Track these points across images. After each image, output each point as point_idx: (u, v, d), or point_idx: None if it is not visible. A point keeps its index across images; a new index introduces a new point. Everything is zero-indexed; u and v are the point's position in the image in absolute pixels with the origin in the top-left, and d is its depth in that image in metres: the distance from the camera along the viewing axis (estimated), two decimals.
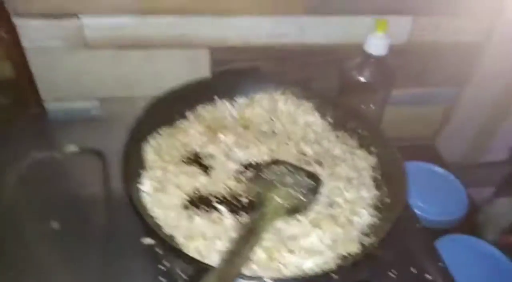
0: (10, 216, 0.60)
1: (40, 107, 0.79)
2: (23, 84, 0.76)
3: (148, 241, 0.56)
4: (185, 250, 0.50)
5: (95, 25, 0.70)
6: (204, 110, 0.68)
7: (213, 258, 0.49)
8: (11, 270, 0.54)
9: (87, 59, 0.74)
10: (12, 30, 0.68)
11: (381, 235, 0.52)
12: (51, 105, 0.79)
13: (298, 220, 0.55)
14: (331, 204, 0.58)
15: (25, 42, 0.70)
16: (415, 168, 0.83)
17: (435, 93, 0.94)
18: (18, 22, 0.68)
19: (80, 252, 0.56)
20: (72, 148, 0.69)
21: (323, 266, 0.51)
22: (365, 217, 0.57)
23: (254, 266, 0.49)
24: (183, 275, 0.54)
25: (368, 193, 0.59)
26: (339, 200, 0.58)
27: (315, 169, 0.62)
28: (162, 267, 0.55)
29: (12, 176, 0.65)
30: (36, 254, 0.56)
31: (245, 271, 0.47)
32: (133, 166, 0.56)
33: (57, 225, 0.59)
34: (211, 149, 0.63)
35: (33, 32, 0.69)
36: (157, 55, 0.76)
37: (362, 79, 0.73)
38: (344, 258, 0.52)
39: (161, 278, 0.54)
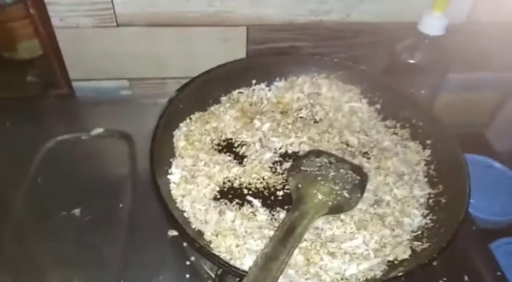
0: (33, 198, 0.58)
1: (69, 87, 0.76)
2: (52, 62, 0.73)
3: (174, 233, 0.52)
4: (215, 249, 0.45)
5: (126, 1, 0.65)
6: (240, 94, 0.63)
7: (245, 260, 0.45)
8: (31, 256, 0.52)
9: (117, 38, 0.70)
10: (41, 8, 0.65)
11: (438, 242, 0.45)
12: (80, 84, 0.76)
13: (341, 220, 0.49)
14: (379, 203, 0.51)
15: (54, 20, 0.67)
16: (469, 161, 0.75)
17: (492, 79, 0.85)
18: None
19: (103, 240, 0.53)
20: (99, 130, 0.66)
21: (368, 273, 0.45)
22: (417, 219, 0.50)
23: (290, 271, 0.44)
24: (211, 273, 0.50)
25: (421, 191, 0.53)
26: (388, 198, 0.52)
27: (361, 162, 0.56)
28: (188, 262, 0.51)
29: (37, 157, 0.62)
30: (57, 240, 0.53)
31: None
32: (162, 154, 0.52)
33: (79, 211, 0.56)
34: (245, 136, 0.58)
35: (62, 10, 0.66)
36: (190, 33, 0.71)
37: (413, 62, 0.66)
38: (391, 264, 0.46)
39: (187, 275, 0.50)
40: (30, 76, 0.79)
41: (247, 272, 0.40)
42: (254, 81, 0.64)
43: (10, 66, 0.79)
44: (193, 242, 0.41)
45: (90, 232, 0.54)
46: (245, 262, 0.44)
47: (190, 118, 0.58)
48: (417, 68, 0.67)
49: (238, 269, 0.41)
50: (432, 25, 0.63)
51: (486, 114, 0.92)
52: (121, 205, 0.57)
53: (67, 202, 0.57)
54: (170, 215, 0.43)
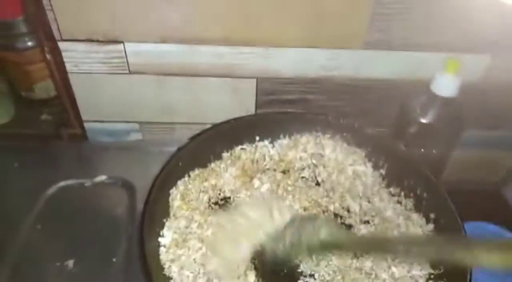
0: (31, 245, 0.58)
1: (81, 127, 0.78)
2: (65, 104, 0.75)
3: None
4: None
5: (139, 51, 0.67)
6: (242, 151, 0.62)
7: None
8: None
9: (129, 84, 0.71)
10: (57, 54, 0.67)
11: None
12: (92, 125, 0.78)
13: None
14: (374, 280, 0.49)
15: (69, 65, 0.69)
16: (479, 231, 0.71)
17: (509, 137, 0.82)
18: (63, 45, 0.66)
19: None
20: (102, 177, 0.66)
21: None
22: None
23: None
24: None
25: (421, 271, 0.50)
26: (384, 276, 0.49)
27: (361, 230, 0.54)
28: None
29: (38, 202, 0.63)
30: None
31: None
32: (156, 214, 0.51)
33: (72, 263, 0.56)
34: (243, 195, 0.57)
35: (77, 56, 0.68)
36: (200, 83, 0.71)
37: (425, 121, 0.64)
38: None
39: None
40: (45, 114, 0.81)
41: None
42: (257, 138, 0.64)
43: (27, 104, 0.81)
44: None
45: None
46: None
47: (189, 175, 0.58)
48: (429, 127, 0.64)
49: None
50: (445, 86, 0.61)
51: (503, 172, 0.88)
52: (114, 260, 0.57)
53: (62, 252, 0.57)
54: None
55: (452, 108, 0.64)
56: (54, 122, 0.79)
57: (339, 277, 0.49)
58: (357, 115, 0.72)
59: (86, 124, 0.78)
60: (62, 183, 0.66)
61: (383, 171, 0.61)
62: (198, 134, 0.58)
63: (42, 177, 0.67)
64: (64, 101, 0.74)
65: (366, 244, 0.44)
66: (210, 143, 0.60)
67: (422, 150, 0.68)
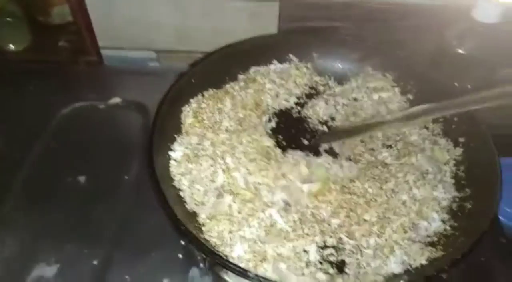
0: (43, 161, 0.58)
1: (98, 54, 0.76)
2: (81, 29, 0.73)
3: None
4: (206, 233, 0.43)
5: None
6: (258, 73, 0.59)
7: (235, 248, 0.42)
8: (30, 216, 0.52)
9: (145, 5, 0.69)
10: None
11: (453, 252, 0.40)
12: (109, 52, 0.76)
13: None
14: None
15: None
16: (504, 167, 0.67)
17: None
18: None
19: (101, 210, 0.52)
20: (116, 100, 0.65)
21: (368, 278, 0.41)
22: (435, 224, 0.45)
23: (282, 265, 0.40)
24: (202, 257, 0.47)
25: (445, 194, 0.47)
26: (405, 198, 0.46)
27: (383, 156, 0.51)
28: (183, 242, 0.49)
29: (53, 121, 0.62)
30: (57, 204, 0.53)
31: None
32: (167, 129, 0.50)
33: (84, 179, 0.55)
34: (254, 118, 0.54)
35: None
36: (219, 5, 0.68)
37: (462, 51, 0.60)
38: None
39: (179, 255, 0.48)
40: (62, 41, 0.79)
41: (232, 263, 0.37)
42: (275, 61, 0.60)
43: (45, 30, 0.79)
44: (178, 223, 0.38)
45: (90, 201, 0.53)
46: (235, 250, 0.42)
47: (203, 95, 0.55)
48: (466, 59, 0.60)
49: (222, 258, 0.38)
50: (488, 11, 0.57)
51: None
52: (126, 177, 0.56)
53: (75, 168, 0.57)
54: (159, 192, 0.41)
55: (492, 39, 0.59)
56: (71, 49, 0.78)
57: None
58: (390, 46, 0.67)
59: (102, 52, 0.76)
60: (77, 104, 0.65)
61: (410, 96, 0.57)
62: (210, 54, 0.55)
63: (57, 99, 0.66)
64: (80, 26, 0.73)
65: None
66: (224, 63, 0.57)
67: (456, 84, 0.63)
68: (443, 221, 0.45)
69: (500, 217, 0.57)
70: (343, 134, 0.53)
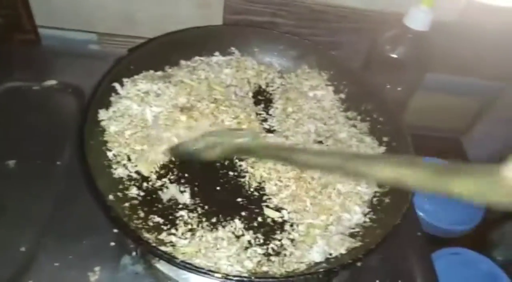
0: None
1: (35, 33, 0.73)
2: (18, 5, 0.69)
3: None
4: None
5: None
6: (200, 62, 0.59)
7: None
8: None
9: None
10: None
11: (369, 242, 0.43)
12: (47, 32, 0.73)
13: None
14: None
15: None
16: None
17: (476, 85, 0.82)
18: None
19: (32, 195, 0.51)
20: (51, 82, 0.63)
21: (291, 266, 0.43)
22: (357, 216, 0.48)
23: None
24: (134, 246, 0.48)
25: (367, 188, 0.51)
26: (331, 191, 0.49)
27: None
28: (116, 230, 0.49)
29: None
30: None
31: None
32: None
33: (13, 163, 0.53)
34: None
35: None
36: None
37: (394, 55, 0.63)
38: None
39: (111, 243, 0.48)
40: None
41: (161, 250, 0.38)
42: (217, 53, 0.61)
43: None
44: (109, 210, 0.39)
45: (20, 186, 0.52)
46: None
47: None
48: (397, 62, 0.64)
49: (151, 245, 0.39)
50: (418, 19, 0.60)
51: (464, 120, 0.89)
52: (58, 163, 0.55)
53: (4, 151, 0.55)
54: (89, 178, 0.41)
55: (422, 45, 0.63)
56: (5, 26, 0.74)
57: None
58: (327, 46, 0.70)
59: (40, 31, 0.73)
60: (9, 84, 0.62)
61: (343, 95, 0.61)
62: (154, 38, 0.55)
63: None
64: (16, 0, 0.69)
65: (277, 152, 0.43)
66: (166, 49, 0.57)
67: (388, 86, 0.67)
68: (364, 214, 0.49)
69: (420, 213, 0.63)
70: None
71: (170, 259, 0.38)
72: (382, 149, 0.54)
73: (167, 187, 0.48)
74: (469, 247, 0.67)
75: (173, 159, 0.50)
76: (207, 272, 0.37)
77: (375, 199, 0.50)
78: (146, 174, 0.48)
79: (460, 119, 0.89)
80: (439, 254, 0.64)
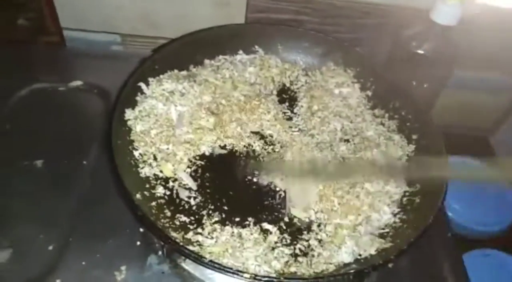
0: None
1: (60, 35, 0.74)
2: (42, 6, 0.70)
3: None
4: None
5: None
6: (225, 62, 0.59)
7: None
8: None
9: None
10: None
11: (400, 243, 0.42)
12: (71, 34, 0.74)
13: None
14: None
15: None
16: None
17: (504, 80, 0.79)
18: None
19: (59, 195, 0.52)
20: (77, 83, 0.63)
21: (320, 266, 0.42)
22: (386, 216, 0.47)
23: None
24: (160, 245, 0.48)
25: (396, 188, 0.49)
26: (359, 190, 0.48)
27: (340, 149, 0.52)
28: (142, 229, 0.49)
29: (9, 102, 0.60)
30: (13, 188, 0.52)
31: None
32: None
33: (41, 163, 0.54)
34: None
35: None
36: None
37: (420, 51, 0.61)
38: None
39: (137, 242, 0.48)
40: (21, 19, 0.76)
41: (188, 249, 0.38)
42: (241, 51, 0.60)
43: (2, 7, 0.76)
44: (136, 209, 0.39)
45: (47, 185, 0.52)
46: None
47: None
48: (423, 59, 0.62)
49: (178, 244, 0.39)
50: (445, 13, 0.58)
51: (493, 118, 0.86)
52: (85, 162, 0.55)
53: (31, 152, 0.55)
54: (117, 177, 0.41)
55: (449, 40, 0.61)
56: (31, 28, 0.75)
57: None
58: (351, 42, 0.68)
59: (65, 33, 0.74)
60: (35, 86, 0.63)
61: (369, 92, 0.59)
62: (177, 38, 0.55)
63: (14, 79, 0.63)
64: (42, 3, 0.70)
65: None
66: (190, 49, 0.57)
67: (414, 83, 0.65)
68: (393, 214, 0.48)
69: (449, 213, 0.61)
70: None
71: (198, 259, 0.37)
72: (412, 148, 0.53)
73: (192, 188, 0.48)
74: (500, 249, 0.65)
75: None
76: (236, 272, 0.36)
77: (405, 199, 0.49)
78: (168, 174, 0.48)
79: (488, 117, 0.86)
80: (469, 256, 0.62)
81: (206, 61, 0.58)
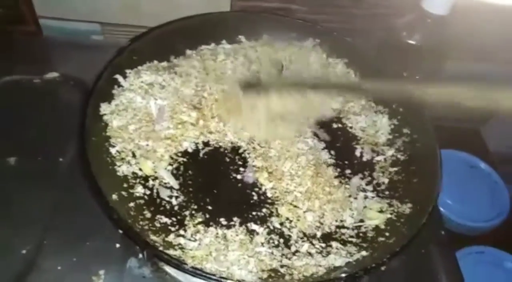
0: None
1: (36, 24, 0.70)
2: None
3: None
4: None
5: None
6: (208, 51, 0.56)
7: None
8: None
9: None
10: None
11: (393, 244, 0.40)
12: (48, 23, 0.70)
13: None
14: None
15: None
16: (453, 158, 0.70)
17: (496, 72, 0.78)
18: None
19: (33, 194, 0.49)
20: (53, 74, 0.60)
21: (310, 269, 0.40)
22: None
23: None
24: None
25: None
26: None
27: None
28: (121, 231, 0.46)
29: None
30: None
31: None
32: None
33: (14, 160, 0.51)
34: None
35: None
36: None
37: (411, 41, 0.60)
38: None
39: (117, 244, 0.46)
40: None
41: (168, 254, 0.35)
42: (224, 41, 0.58)
43: None
44: (111, 212, 0.36)
45: (20, 184, 0.49)
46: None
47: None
48: (415, 49, 0.61)
49: (158, 249, 0.36)
50: (438, 2, 0.57)
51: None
52: (61, 159, 0.52)
53: (4, 148, 0.52)
54: (90, 177, 0.38)
55: (441, 30, 0.60)
56: (4, 16, 0.71)
57: None
58: (341, 32, 0.66)
59: (41, 21, 0.70)
60: (8, 78, 0.59)
61: None
62: (157, 27, 0.52)
63: None
64: None
65: None
66: (170, 38, 0.53)
67: (405, 74, 0.63)
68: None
69: (441, 208, 0.59)
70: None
71: (179, 265, 0.35)
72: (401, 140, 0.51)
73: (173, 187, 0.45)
74: (494, 246, 0.64)
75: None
76: (219, 280, 0.34)
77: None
78: (148, 172, 0.45)
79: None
80: (463, 253, 0.61)
81: (188, 52, 0.55)
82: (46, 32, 0.72)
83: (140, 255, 0.45)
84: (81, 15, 0.70)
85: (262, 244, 0.42)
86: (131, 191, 0.43)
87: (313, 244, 0.43)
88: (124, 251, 0.46)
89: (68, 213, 0.48)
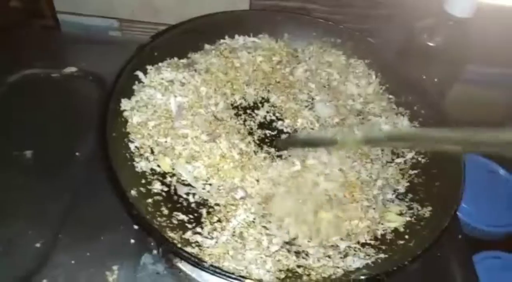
0: None
1: (54, 19, 0.71)
2: None
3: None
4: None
5: None
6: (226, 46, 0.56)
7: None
8: None
9: None
10: None
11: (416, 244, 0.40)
12: (66, 18, 0.71)
13: None
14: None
15: None
16: (472, 162, 0.68)
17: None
18: None
19: (49, 188, 0.49)
20: (71, 69, 0.60)
21: (328, 270, 0.40)
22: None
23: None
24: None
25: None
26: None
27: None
28: (136, 227, 0.46)
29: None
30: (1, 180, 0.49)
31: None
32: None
33: (30, 153, 0.51)
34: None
35: None
36: None
37: (433, 44, 0.59)
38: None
39: (131, 240, 0.45)
40: (14, 1, 0.72)
41: (186, 251, 0.35)
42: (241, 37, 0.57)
43: None
44: (131, 208, 0.36)
45: (37, 177, 0.49)
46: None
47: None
48: (435, 52, 0.60)
49: (176, 246, 0.36)
50: (460, 5, 0.55)
51: (504, 114, 0.84)
52: (77, 154, 0.52)
53: (21, 141, 0.52)
54: (111, 171, 0.37)
55: (463, 33, 0.59)
56: (24, 11, 0.71)
57: None
58: (362, 33, 0.65)
59: (59, 16, 0.71)
60: (27, 71, 0.59)
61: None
62: (178, 25, 0.52)
63: (4, 64, 0.60)
64: None
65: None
66: (190, 36, 0.53)
67: (424, 77, 0.63)
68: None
69: (459, 214, 0.58)
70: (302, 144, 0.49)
71: (198, 263, 0.34)
72: None
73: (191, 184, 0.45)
74: (510, 251, 0.63)
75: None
76: (238, 278, 0.33)
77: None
78: (166, 169, 0.45)
79: (499, 113, 0.84)
80: (478, 258, 0.60)
81: (207, 46, 0.55)
82: (64, 27, 0.72)
83: (155, 251, 0.45)
84: (100, 11, 0.70)
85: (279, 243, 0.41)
86: (149, 187, 0.43)
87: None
88: (138, 246, 0.45)
89: (83, 208, 0.48)
